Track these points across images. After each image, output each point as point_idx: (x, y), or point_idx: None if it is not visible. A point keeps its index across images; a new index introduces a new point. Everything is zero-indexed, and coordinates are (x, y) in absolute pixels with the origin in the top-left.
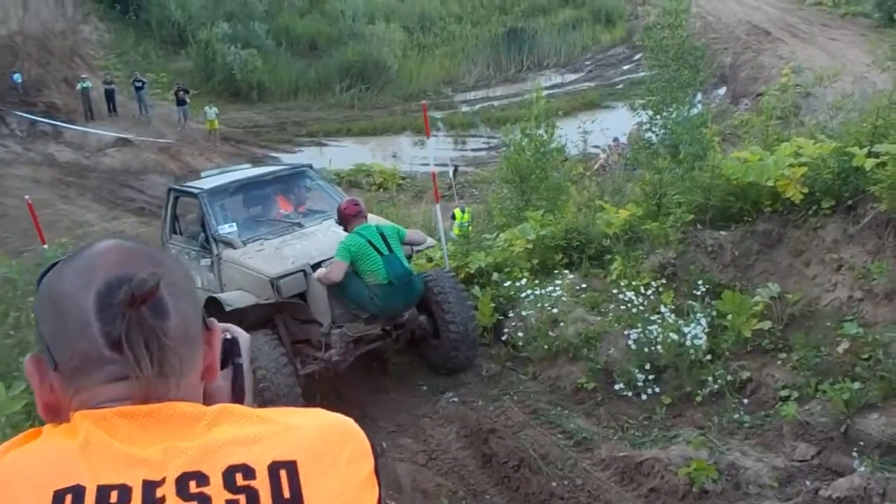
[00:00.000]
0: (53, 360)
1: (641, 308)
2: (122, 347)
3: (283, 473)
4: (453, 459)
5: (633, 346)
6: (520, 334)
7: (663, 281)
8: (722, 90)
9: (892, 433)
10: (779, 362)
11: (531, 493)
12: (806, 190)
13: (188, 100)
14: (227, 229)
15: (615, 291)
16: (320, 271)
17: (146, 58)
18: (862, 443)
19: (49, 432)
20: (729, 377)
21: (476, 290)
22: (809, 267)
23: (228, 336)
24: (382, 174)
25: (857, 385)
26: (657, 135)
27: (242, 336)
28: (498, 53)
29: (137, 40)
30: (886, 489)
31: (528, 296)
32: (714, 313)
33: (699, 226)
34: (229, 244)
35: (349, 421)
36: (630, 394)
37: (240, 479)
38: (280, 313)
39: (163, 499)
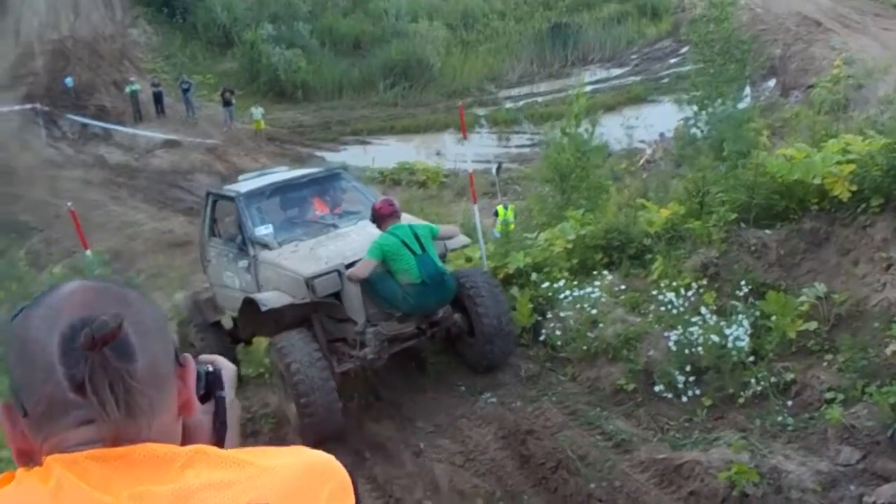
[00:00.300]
0: (23, 406)
1: (682, 309)
2: (86, 391)
3: None
4: (491, 460)
5: (674, 348)
6: (558, 335)
7: (705, 281)
8: (772, 82)
9: None
10: (824, 364)
11: (569, 494)
12: (854, 188)
13: (234, 101)
14: (263, 231)
15: (655, 292)
16: (351, 269)
17: (193, 60)
18: None
19: (22, 477)
20: (772, 379)
21: (515, 290)
22: (857, 266)
23: (211, 368)
24: (425, 172)
25: None
26: (702, 131)
27: (226, 368)
28: (542, 49)
29: (184, 43)
30: None
31: (566, 296)
32: (757, 314)
33: (743, 224)
34: (265, 246)
35: (330, 458)
36: (670, 395)
37: None
38: (316, 312)
39: None
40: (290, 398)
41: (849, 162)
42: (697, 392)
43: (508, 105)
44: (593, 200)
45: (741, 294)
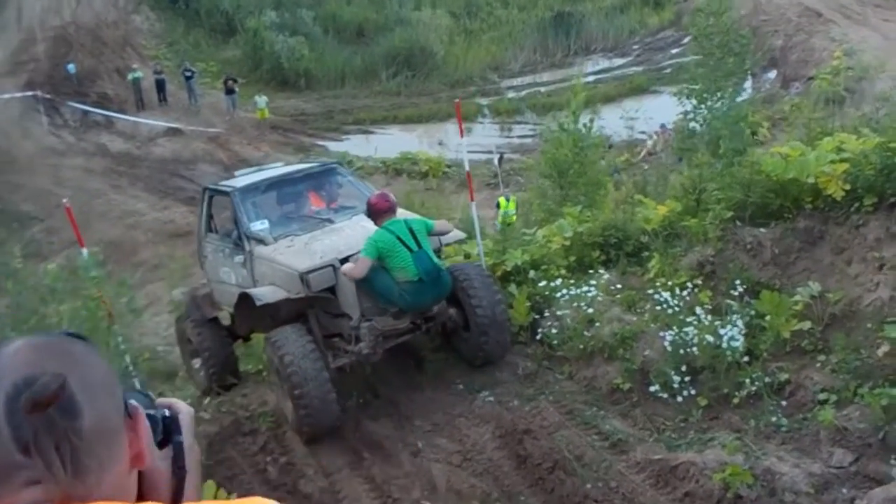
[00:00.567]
0: None
1: (677, 309)
2: (31, 452)
3: None
4: (488, 460)
5: (669, 348)
6: (555, 333)
7: (701, 279)
8: (772, 73)
9: None
10: (818, 364)
11: (565, 495)
12: (848, 187)
13: (237, 89)
14: (258, 226)
15: (651, 291)
16: (346, 266)
17: (196, 47)
18: None
19: None
20: (767, 379)
21: (513, 287)
22: (851, 266)
23: (168, 413)
24: (428, 162)
25: None
26: (700, 125)
27: (184, 411)
28: (545, 38)
29: (187, 30)
30: None
31: (563, 295)
32: (752, 313)
33: (738, 223)
34: (261, 241)
35: None
36: (666, 395)
37: None
38: (311, 307)
39: None
40: (286, 395)
41: (843, 161)
42: (693, 392)
43: (511, 95)
44: (591, 197)
45: (736, 293)
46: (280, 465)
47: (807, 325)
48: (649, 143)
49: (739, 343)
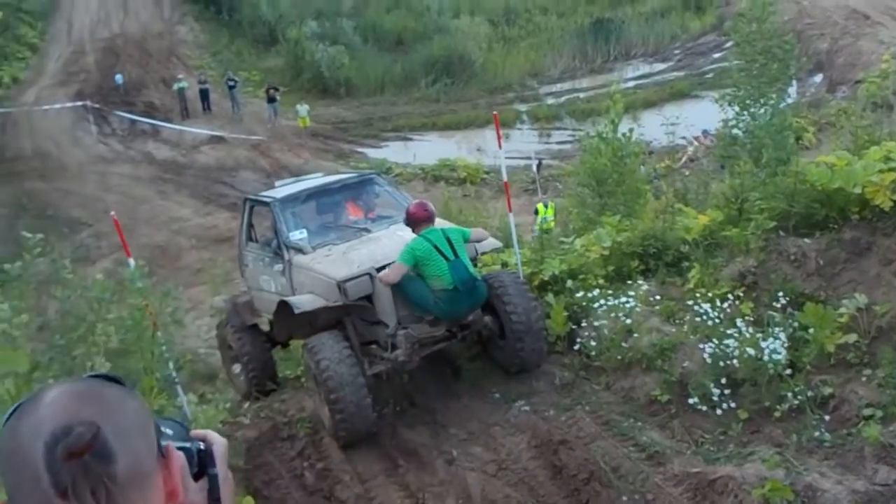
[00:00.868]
0: None
1: (718, 320)
2: (69, 497)
3: None
4: (523, 470)
5: (709, 360)
6: (593, 344)
7: (742, 290)
8: (818, 77)
9: None
10: (863, 379)
11: None
12: None
13: (278, 97)
14: (297, 236)
15: (690, 302)
16: (382, 272)
17: (239, 57)
18: None
19: None
20: (810, 393)
21: (550, 297)
22: None
23: (202, 446)
24: (466, 169)
25: None
26: (742, 132)
27: (218, 443)
28: (584, 44)
29: (230, 40)
30: None
31: (601, 305)
32: (795, 325)
33: (782, 233)
34: (300, 250)
35: None
36: (705, 408)
37: None
38: (348, 315)
39: None
40: (323, 401)
41: (891, 170)
42: (733, 405)
43: (550, 101)
44: (630, 206)
45: (779, 305)
46: (317, 470)
47: (852, 337)
48: (690, 149)
49: (782, 356)
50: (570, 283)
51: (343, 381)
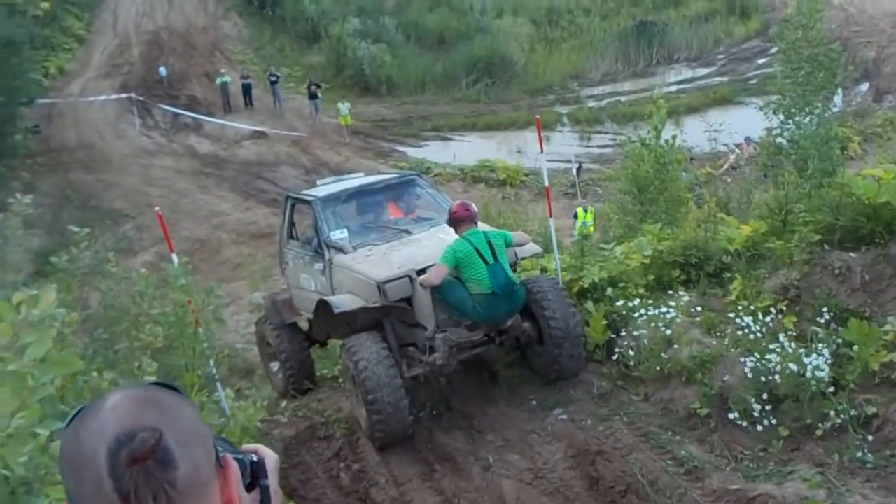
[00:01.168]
0: None
1: (760, 334)
2: (131, 503)
3: None
4: (559, 479)
5: (750, 375)
6: (632, 353)
7: (785, 304)
8: (864, 86)
9: None
10: None
11: None
12: None
13: (320, 94)
14: (338, 235)
15: (732, 315)
16: (424, 276)
17: (281, 52)
18: None
19: None
20: (853, 412)
21: (590, 304)
22: None
23: (255, 458)
24: (506, 171)
25: None
26: (787, 141)
27: (269, 456)
28: (627, 47)
29: (273, 35)
30: None
31: (641, 315)
32: (839, 341)
33: (826, 246)
34: (340, 249)
35: None
36: (745, 423)
37: None
38: (387, 317)
39: None
40: (361, 402)
41: None
42: (773, 421)
43: (591, 104)
44: (672, 214)
45: (822, 320)
46: (353, 472)
47: None
48: (732, 156)
49: (825, 373)
50: (609, 291)
51: (381, 383)
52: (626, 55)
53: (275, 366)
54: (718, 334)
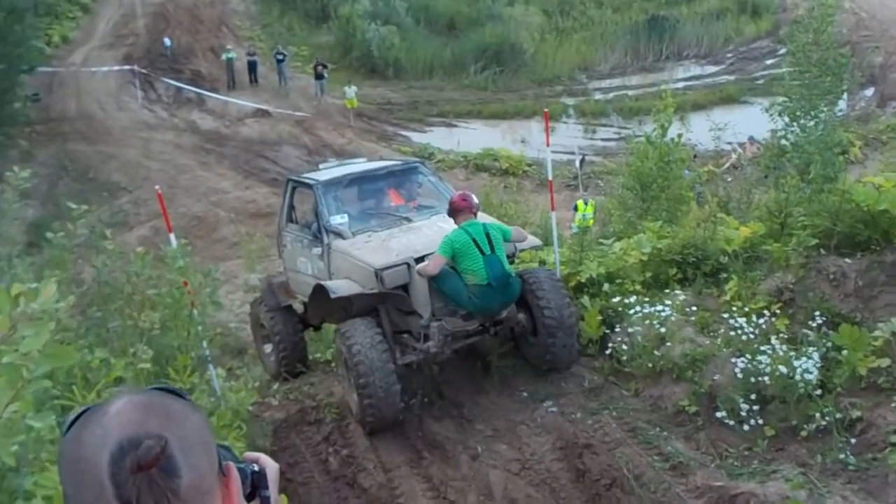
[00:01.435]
0: None
1: (752, 336)
2: None
3: None
4: (546, 471)
5: (740, 375)
6: (625, 349)
7: (779, 306)
8: (869, 91)
9: None
10: (893, 404)
11: None
12: None
13: (326, 74)
14: (338, 220)
15: (726, 315)
16: (421, 264)
17: (289, 30)
18: None
19: None
20: (838, 415)
21: (585, 299)
22: None
23: (256, 468)
24: (509, 160)
25: None
26: (790, 143)
27: (270, 466)
28: (637, 41)
29: (281, 13)
30: None
31: (636, 312)
32: (829, 345)
33: (823, 251)
34: (339, 234)
35: None
36: (732, 422)
37: None
38: (383, 303)
39: None
40: (353, 387)
41: None
42: (760, 421)
43: (598, 96)
44: (673, 212)
45: (814, 324)
46: (341, 456)
47: (885, 362)
48: (734, 155)
49: (813, 376)
50: (606, 286)
51: (373, 367)
52: (636, 49)
53: (268, 348)
54: (711, 334)
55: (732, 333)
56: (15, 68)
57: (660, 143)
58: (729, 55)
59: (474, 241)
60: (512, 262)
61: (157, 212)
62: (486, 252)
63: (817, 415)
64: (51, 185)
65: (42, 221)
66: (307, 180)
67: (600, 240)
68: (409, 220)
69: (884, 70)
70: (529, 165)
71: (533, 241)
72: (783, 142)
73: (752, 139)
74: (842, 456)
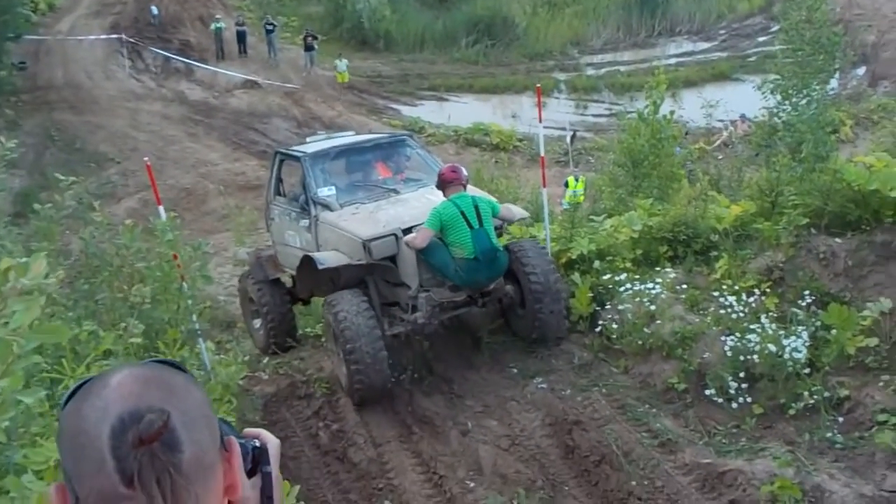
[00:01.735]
0: (75, 494)
1: (741, 314)
2: (135, 485)
3: None
4: (536, 447)
5: (729, 353)
6: (615, 326)
7: (769, 285)
8: (861, 70)
9: None
10: (881, 384)
11: (610, 489)
12: None
13: (316, 46)
14: (325, 192)
15: (716, 293)
16: (408, 236)
17: (279, 0)
18: None
19: None
20: (826, 393)
21: (576, 276)
22: None
23: (257, 444)
24: (500, 135)
25: None
26: (782, 121)
27: (272, 442)
28: (629, 16)
29: None
30: None
31: (627, 289)
32: (818, 324)
33: (813, 230)
34: (327, 206)
35: None
36: (721, 400)
37: None
38: (371, 275)
39: None
40: (342, 360)
41: None
42: (748, 399)
43: (590, 72)
44: (664, 189)
45: (804, 303)
46: (331, 431)
47: (873, 341)
48: (725, 133)
49: (802, 354)
50: (597, 263)
51: (360, 332)
52: (629, 24)
53: (257, 322)
54: (701, 312)
55: (722, 312)
56: (1, 36)
57: (652, 120)
58: (721, 32)
59: (463, 214)
60: (500, 236)
61: (145, 183)
62: (474, 226)
63: (805, 393)
64: (37, 155)
65: (29, 191)
66: (295, 153)
67: (591, 217)
68: (396, 192)
69: (876, 49)
70: (520, 140)
71: (523, 213)
72: (775, 120)
73: (743, 117)
74: (829, 434)
